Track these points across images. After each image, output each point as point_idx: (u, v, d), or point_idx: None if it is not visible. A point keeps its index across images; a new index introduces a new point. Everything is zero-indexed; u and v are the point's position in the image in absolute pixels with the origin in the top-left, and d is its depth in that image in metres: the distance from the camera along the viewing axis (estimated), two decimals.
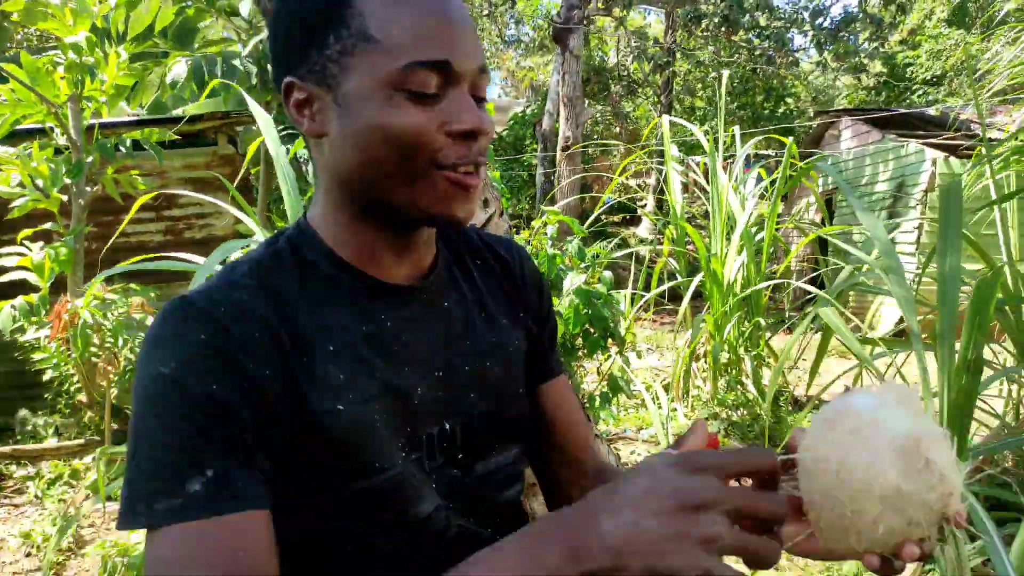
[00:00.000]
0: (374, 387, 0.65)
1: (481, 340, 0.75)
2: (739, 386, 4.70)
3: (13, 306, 3.67)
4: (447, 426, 0.71)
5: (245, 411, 0.58)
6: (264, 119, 2.46)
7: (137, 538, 2.63)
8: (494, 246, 0.84)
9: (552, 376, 0.85)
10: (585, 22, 11.13)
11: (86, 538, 3.09)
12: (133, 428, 0.58)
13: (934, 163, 8.10)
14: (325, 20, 0.62)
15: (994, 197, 3.11)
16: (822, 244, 10.37)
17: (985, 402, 3.15)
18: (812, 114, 14.21)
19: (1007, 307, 2.51)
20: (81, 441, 4.05)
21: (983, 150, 3.30)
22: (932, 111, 9.41)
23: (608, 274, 3.64)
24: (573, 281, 3.31)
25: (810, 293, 5.27)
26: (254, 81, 6.13)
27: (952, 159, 7.74)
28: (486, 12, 17.13)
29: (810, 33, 15.20)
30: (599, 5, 13.55)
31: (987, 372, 2.42)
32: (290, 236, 0.70)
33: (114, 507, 3.29)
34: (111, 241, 3.81)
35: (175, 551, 0.54)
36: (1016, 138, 3.25)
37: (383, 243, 0.69)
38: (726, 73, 5.48)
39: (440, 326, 0.73)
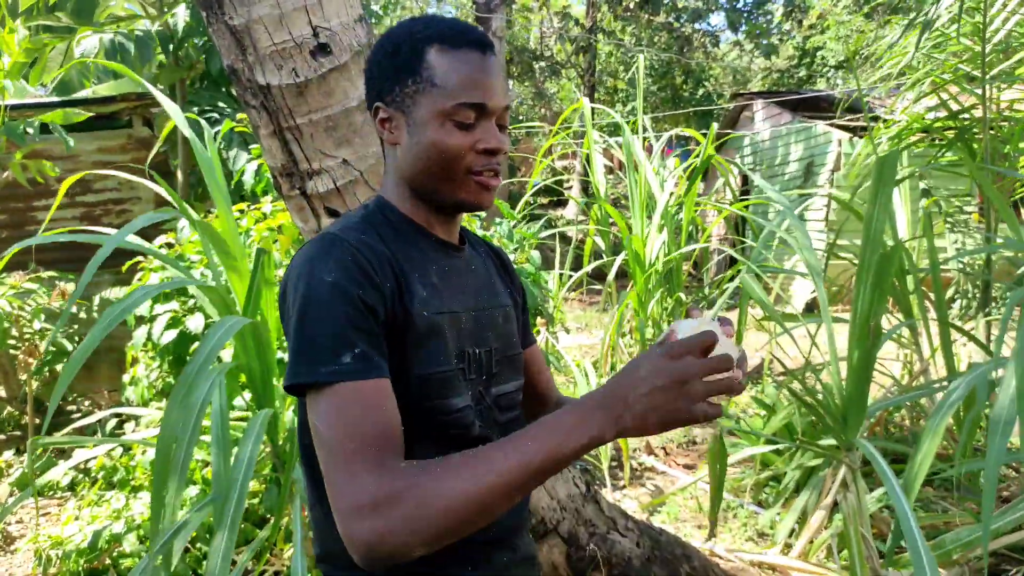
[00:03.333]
0: (442, 305, 0.93)
1: (494, 297, 1.05)
2: None
3: None
4: (476, 351, 0.98)
5: (379, 309, 0.84)
6: (172, 108, 2.36)
7: (71, 530, 2.60)
8: (490, 244, 1.17)
9: (530, 343, 1.18)
10: (507, 3, 11.17)
11: (14, 534, 3.02)
12: (301, 315, 0.82)
13: (839, 143, 8.57)
14: (408, 68, 0.92)
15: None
16: (740, 224, 10.80)
17: (883, 366, 3.44)
18: (729, 96, 14.69)
19: (895, 279, 2.74)
20: (1, 437, 3.91)
21: (881, 128, 3.57)
22: (838, 94, 9.91)
23: (536, 254, 3.76)
24: None
25: (728, 270, 5.54)
26: (166, 60, 5.93)
27: (855, 139, 8.22)
28: None
29: (723, 12, 15.68)
30: None
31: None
32: (378, 207, 0.98)
33: (45, 502, 3.22)
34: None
35: (341, 401, 0.79)
36: (904, 121, 3.52)
37: (434, 217, 0.99)
38: (643, 57, 5.65)
39: (474, 279, 1.03)
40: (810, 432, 3.16)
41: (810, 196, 8.44)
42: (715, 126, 5.00)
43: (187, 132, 2.31)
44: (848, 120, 7.35)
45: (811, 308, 8.67)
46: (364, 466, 0.76)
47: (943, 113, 3.42)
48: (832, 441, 2.51)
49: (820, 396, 2.44)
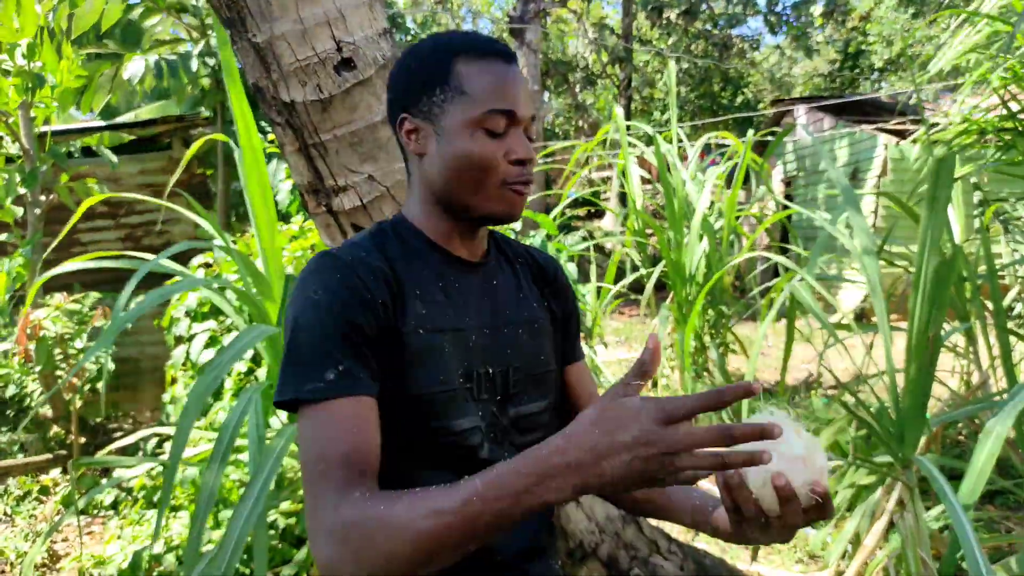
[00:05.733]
0: (444, 323, 0.92)
1: (517, 313, 1.01)
2: (706, 373, 4.81)
3: None
4: (490, 370, 0.95)
5: (367, 327, 0.84)
6: (246, 118, 2.32)
7: (113, 550, 2.61)
8: (533, 253, 1.12)
9: (575, 360, 1.12)
10: (542, 15, 11.17)
11: (60, 552, 3.05)
12: (289, 335, 0.84)
13: (886, 148, 8.32)
14: (435, 78, 0.92)
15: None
16: (781, 234, 10.56)
17: (938, 378, 3.28)
18: (769, 102, 14.45)
19: (952, 286, 2.61)
20: (48, 456, 3.98)
21: (934, 130, 3.42)
22: (883, 97, 9.64)
23: (572, 266, 3.69)
24: None
25: (773, 280, 5.39)
26: (208, 84, 6.04)
27: (903, 143, 7.97)
28: (439, 1, 17.02)
29: (762, 16, 15.46)
30: None
31: None
32: (393, 223, 0.99)
33: (88, 520, 3.26)
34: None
35: (318, 421, 0.80)
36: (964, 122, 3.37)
37: (455, 230, 0.97)
38: (673, 63, 5.53)
39: (491, 296, 1.00)
40: (862, 449, 3.02)
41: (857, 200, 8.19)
42: (751, 132, 4.87)
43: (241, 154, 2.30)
44: (895, 124, 7.14)
45: (859, 318, 8.41)
46: (328, 490, 0.77)
47: (1000, 113, 3.27)
48: (887, 458, 2.39)
49: (874, 410, 2.32)
